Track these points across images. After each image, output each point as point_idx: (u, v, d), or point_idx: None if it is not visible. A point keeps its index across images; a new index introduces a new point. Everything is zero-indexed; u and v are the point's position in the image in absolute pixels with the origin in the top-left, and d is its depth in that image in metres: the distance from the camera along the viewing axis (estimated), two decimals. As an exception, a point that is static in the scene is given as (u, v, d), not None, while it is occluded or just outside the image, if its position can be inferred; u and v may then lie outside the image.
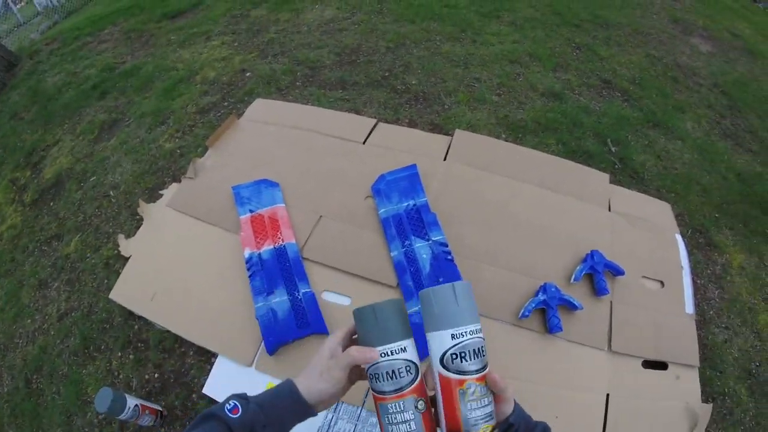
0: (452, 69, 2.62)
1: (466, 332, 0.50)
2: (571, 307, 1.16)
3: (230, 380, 1.12)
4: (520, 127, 2.21)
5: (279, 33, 3.06)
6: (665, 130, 2.45)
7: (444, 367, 0.50)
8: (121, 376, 1.56)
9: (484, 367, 0.50)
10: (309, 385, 0.56)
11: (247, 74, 2.69)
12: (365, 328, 0.54)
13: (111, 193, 2.16)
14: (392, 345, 0.52)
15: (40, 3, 5.95)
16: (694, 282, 1.43)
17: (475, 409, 0.49)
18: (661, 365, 1.14)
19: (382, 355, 0.52)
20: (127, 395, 1.22)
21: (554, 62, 2.73)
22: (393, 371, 0.51)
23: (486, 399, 0.50)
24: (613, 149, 2.20)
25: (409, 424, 0.50)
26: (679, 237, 1.40)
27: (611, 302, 1.21)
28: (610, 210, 1.42)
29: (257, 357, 1.13)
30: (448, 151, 1.51)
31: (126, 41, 3.39)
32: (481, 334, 0.51)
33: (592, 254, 1.24)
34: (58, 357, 1.70)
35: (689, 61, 3.07)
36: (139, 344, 1.61)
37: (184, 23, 3.42)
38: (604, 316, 1.19)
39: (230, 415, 0.52)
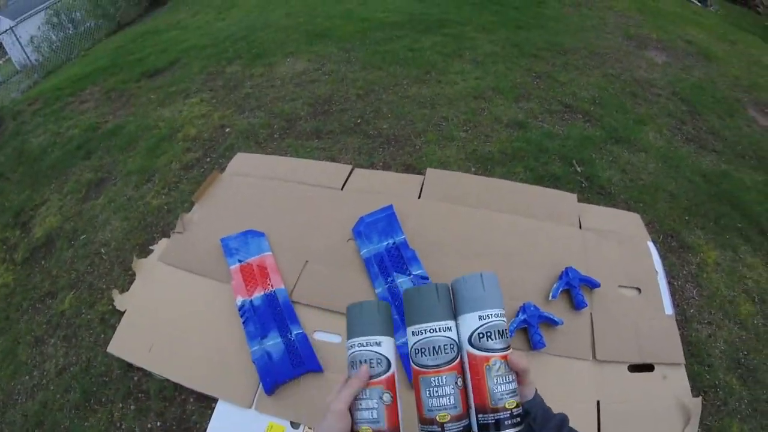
0: (420, 110, 2.73)
1: (491, 315, 0.55)
2: (551, 323, 1.20)
3: (232, 422, 1.16)
4: (488, 159, 2.32)
5: (254, 88, 3.20)
6: (628, 144, 2.56)
7: (472, 345, 0.55)
8: (123, 427, 1.59)
9: (507, 347, 0.56)
10: None
11: (227, 130, 2.80)
12: (417, 305, 0.58)
13: (102, 250, 2.21)
14: (439, 323, 0.56)
15: (18, 62, 6.06)
16: (670, 284, 1.47)
17: (501, 384, 0.53)
18: (648, 367, 1.17)
19: (430, 331, 0.56)
20: None
21: (516, 93, 2.86)
22: (438, 347, 0.55)
23: (510, 376, 0.54)
24: (579, 169, 2.29)
25: (449, 398, 0.53)
26: (651, 244, 1.45)
27: (591, 314, 1.26)
28: (581, 227, 1.49)
29: (256, 398, 1.17)
30: (421, 189, 1.59)
31: (107, 101, 3.49)
32: (504, 318, 0.57)
33: (567, 271, 1.29)
34: (59, 411, 1.72)
35: (646, 74, 3.22)
36: (140, 395, 1.64)
37: (163, 81, 3.55)
38: (585, 327, 1.23)
39: None
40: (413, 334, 0.57)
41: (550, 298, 1.27)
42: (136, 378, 1.68)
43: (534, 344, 1.17)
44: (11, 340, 2.02)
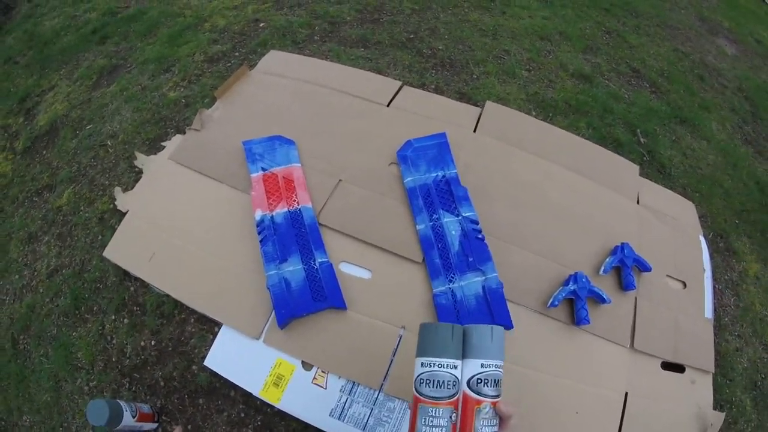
0: (480, 38, 2.52)
1: (492, 365, 0.61)
2: (599, 300, 1.10)
3: (235, 353, 1.03)
4: (551, 106, 2.14)
5: (295, -15, 2.90)
6: (691, 128, 2.42)
7: (469, 387, 0.61)
8: (114, 342, 1.47)
9: (498, 395, 0.61)
10: None
11: (261, 24, 2.54)
12: (432, 340, 0.64)
13: (108, 142, 2.02)
14: (448, 360, 0.62)
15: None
16: (713, 286, 1.41)
17: (485, 426, 0.59)
18: (678, 368, 1.11)
19: (440, 365, 0.61)
20: (122, 402, 1.09)
21: (584, 44, 2.66)
22: (442, 381, 0.61)
23: (494, 420, 0.60)
24: (642, 140, 2.15)
25: (441, 430, 0.59)
26: (702, 239, 1.36)
27: (636, 298, 1.16)
28: (638, 203, 1.36)
29: (266, 329, 1.04)
30: (478, 122, 1.40)
31: (129, -15, 3.20)
32: (501, 369, 0.62)
33: (623, 247, 1.18)
34: (47, 317, 1.61)
35: (715, 62, 3.05)
36: (135, 308, 1.52)
37: (193, -31, 3.24)
38: (628, 312, 1.14)
39: None
40: (422, 365, 0.62)
41: (600, 272, 1.17)
42: (132, 288, 1.55)
43: (578, 320, 1.08)
44: (4, 235, 1.89)
